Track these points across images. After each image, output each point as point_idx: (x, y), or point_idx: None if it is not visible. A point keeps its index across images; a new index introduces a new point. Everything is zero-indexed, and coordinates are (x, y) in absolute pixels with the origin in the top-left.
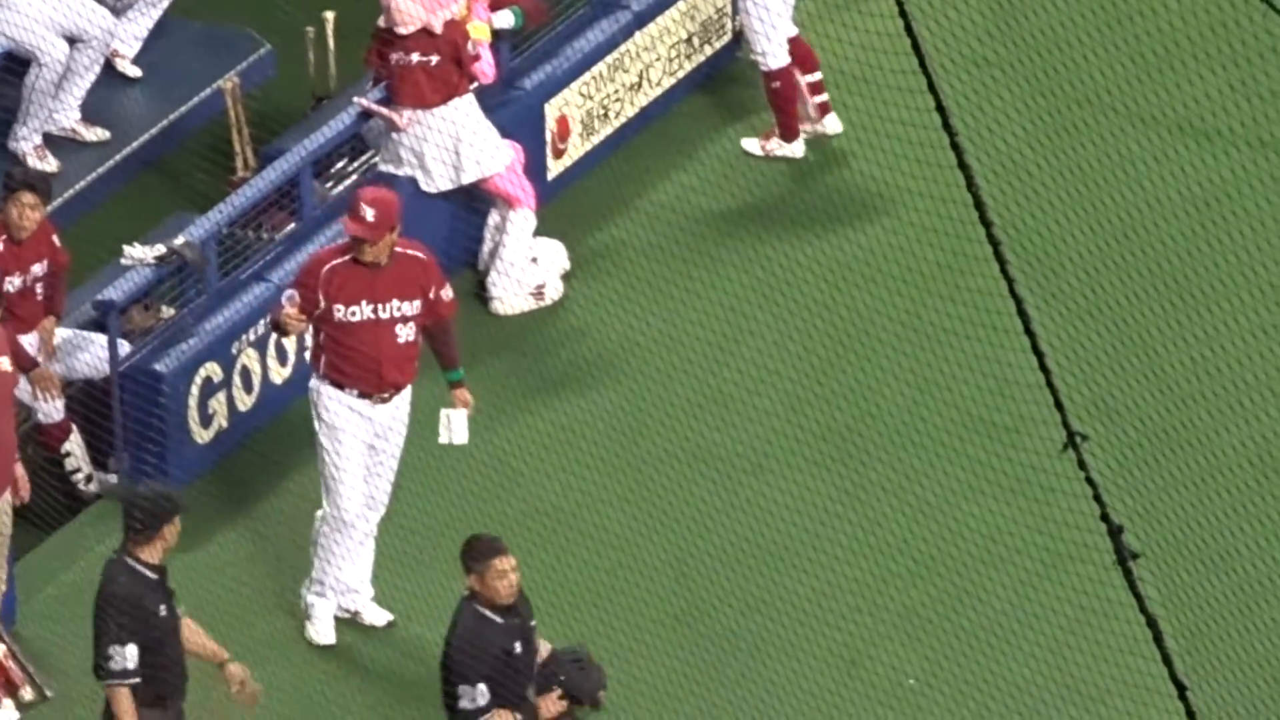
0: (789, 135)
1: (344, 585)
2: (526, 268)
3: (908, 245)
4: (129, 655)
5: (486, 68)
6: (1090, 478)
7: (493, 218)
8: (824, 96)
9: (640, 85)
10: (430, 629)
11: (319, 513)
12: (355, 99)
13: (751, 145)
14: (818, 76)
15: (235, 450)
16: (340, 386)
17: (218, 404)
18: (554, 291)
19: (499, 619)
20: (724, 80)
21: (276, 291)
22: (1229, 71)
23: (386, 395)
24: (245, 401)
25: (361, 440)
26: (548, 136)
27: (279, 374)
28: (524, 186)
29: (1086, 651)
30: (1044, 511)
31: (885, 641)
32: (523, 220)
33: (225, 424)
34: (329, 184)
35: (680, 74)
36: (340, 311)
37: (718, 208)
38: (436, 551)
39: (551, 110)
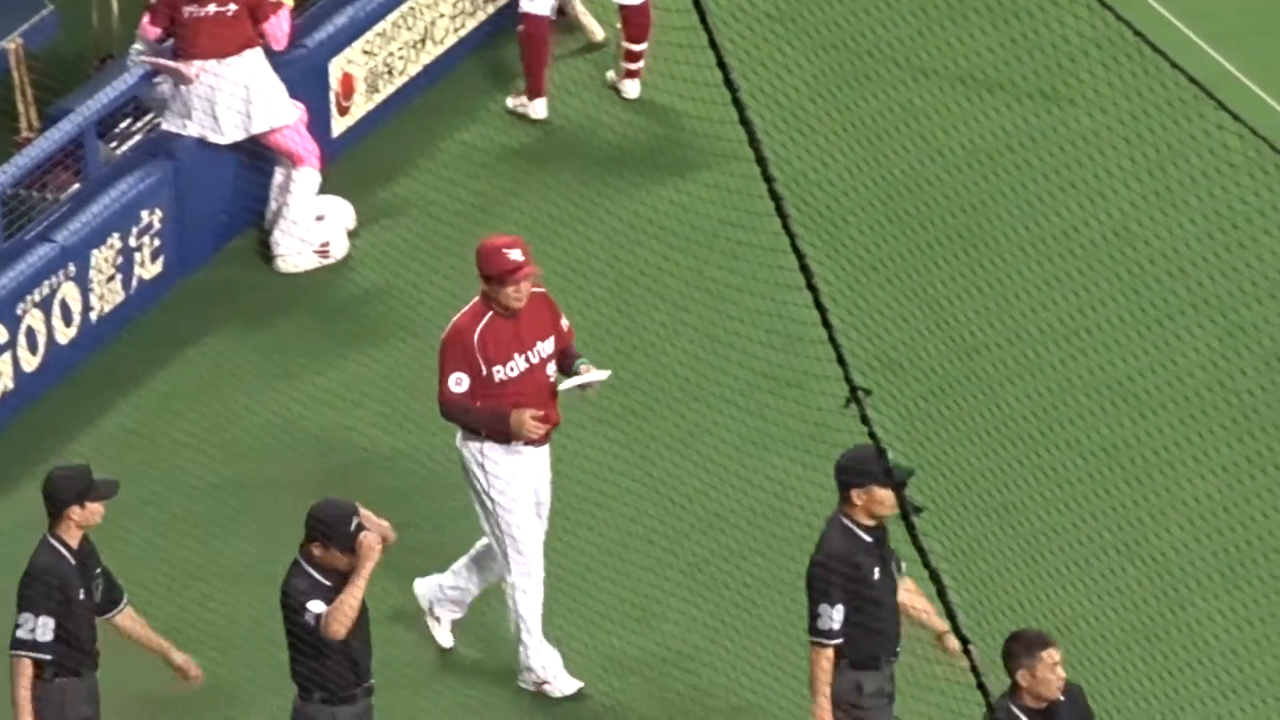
0: (532, 92)
1: (457, 595)
2: (311, 225)
3: (692, 202)
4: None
5: (280, 34)
6: (873, 432)
7: (277, 176)
8: (637, 65)
9: (424, 42)
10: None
11: (506, 583)
12: (140, 57)
13: (510, 101)
14: (641, 47)
15: (21, 411)
16: (506, 441)
17: (3, 365)
18: (339, 249)
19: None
20: (507, 37)
21: (61, 253)
22: (1012, 25)
23: (545, 439)
24: (31, 362)
25: (530, 489)
26: (332, 94)
27: (64, 334)
28: (308, 144)
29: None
30: (831, 466)
31: (674, 596)
32: (307, 178)
33: (11, 385)
34: (113, 144)
35: (464, 31)
36: (500, 372)
37: (502, 166)
38: (218, 511)
39: (335, 68)
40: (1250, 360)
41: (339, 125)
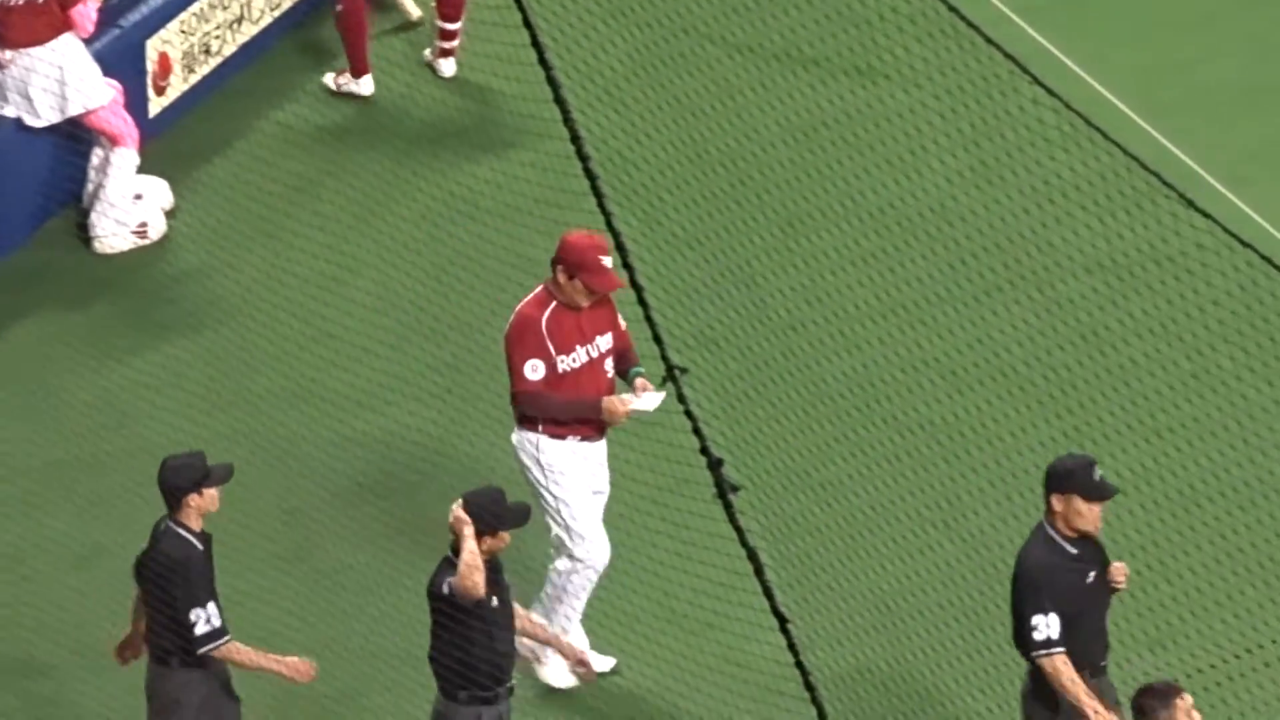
0: (356, 71)
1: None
2: (129, 206)
3: (509, 181)
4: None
5: (87, 22)
6: (689, 410)
7: (95, 156)
8: (452, 44)
9: (240, 22)
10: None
11: (558, 565)
12: None
13: (328, 80)
14: (455, 26)
15: None
16: (561, 437)
17: None
18: (157, 229)
19: None
20: (323, 17)
21: None
22: (827, 1)
23: (601, 433)
24: None
25: (587, 476)
26: (149, 74)
27: None
28: (126, 124)
29: (689, 585)
30: (647, 446)
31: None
32: (125, 158)
33: None
34: None
35: (280, 10)
36: (564, 363)
37: (318, 145)
38: (47, 491)
39: (152, 48)
40: (1066, 335)
41: (156, 105)
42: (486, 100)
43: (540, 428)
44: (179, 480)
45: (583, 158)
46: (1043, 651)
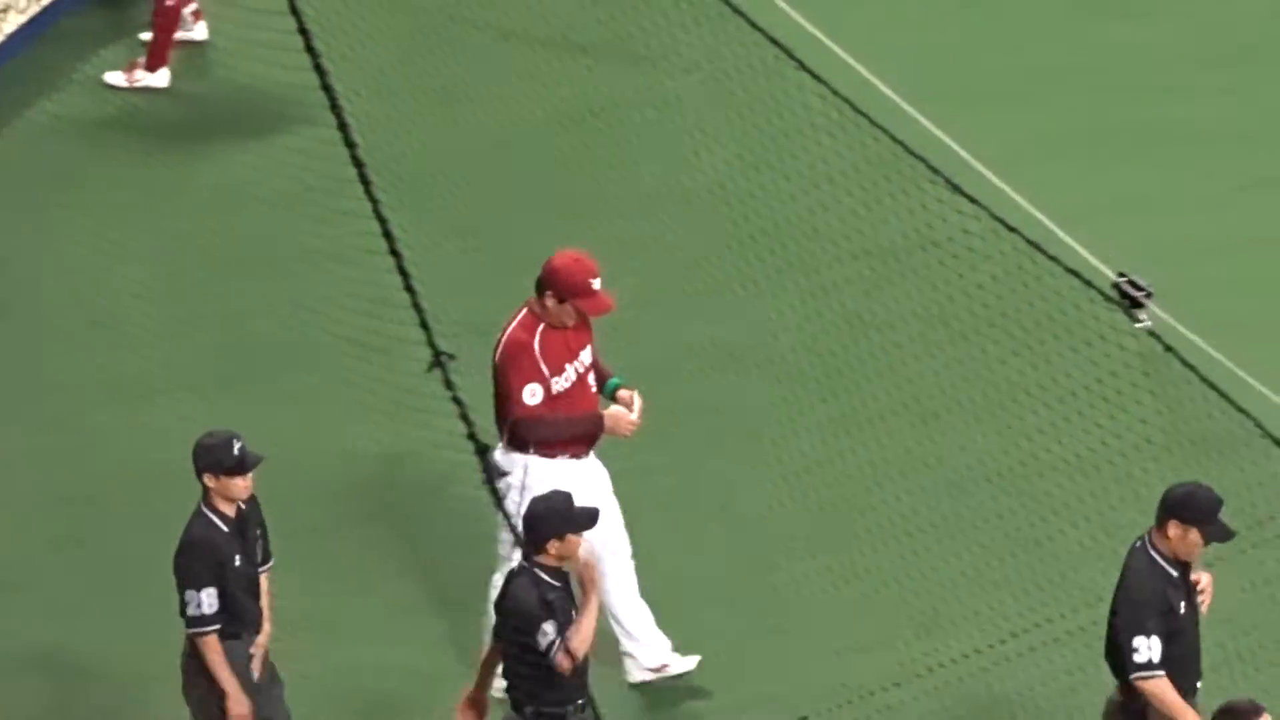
0: (155, 64)
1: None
2: None
3: (276, 168)
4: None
5: None
6: (457, 396)
7: None
8: (194, 4)
9: (7, 11)
10: None
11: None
12: None
13: (115, 78)
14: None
15: None
16: (551, 456)
17: None
18: None
19: None
20: (91, 6)
21: None
22: None
23: (590, 449)
24: None
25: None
26: None
27: None
28: None
29: (463, 573)
30: (419, 433)
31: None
32: None
33: None
34: None
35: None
36: (557, 383)
37: (86, 135)
38: None
39: None
40: (833, 320)
41: None
42: (255, 88)
43: (531, 449)
44: (197, 460)
45: (350, 145)
46: (1144, 674)
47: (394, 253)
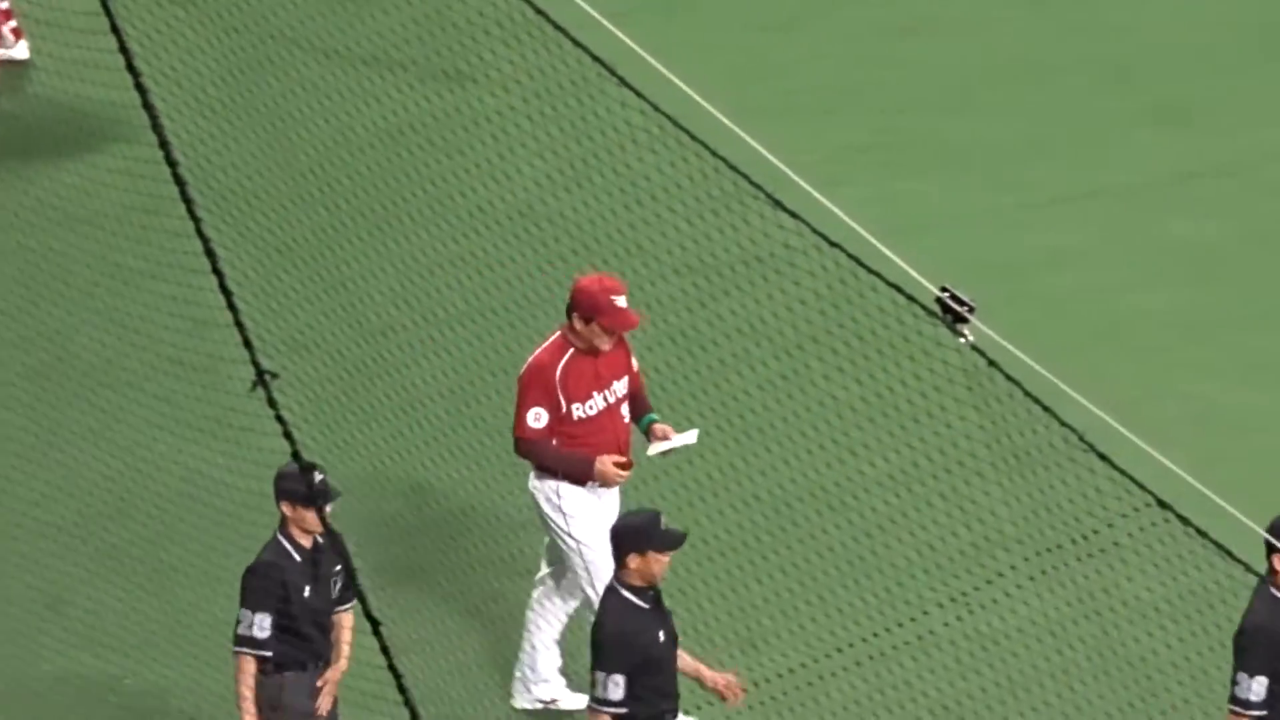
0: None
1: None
2: None
3: (96, 187)
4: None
5: None
6: (280, 415)
7: None
8: (12, 23)
9: None
10: None
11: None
12: None
13: None
14: (4, 6)
15: None
16: (581, 483)
17: None
18: None
19: None
20: None
21: None
22: (415, 5)
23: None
24: None
25: (607, 523)
26: None
27: None
28: None
29: None
30: (240, 451)
31: (85, 583)
32: None
33: None
34: None
35: None
36: (579, 410)
37: None
38: None
39: None
40: (656, 336)
41: None
42: (74, 106)
43: (560, 474)
44: (276, 488)
45: (171, 163)
46: (1237, 710)
47: (216, 271)
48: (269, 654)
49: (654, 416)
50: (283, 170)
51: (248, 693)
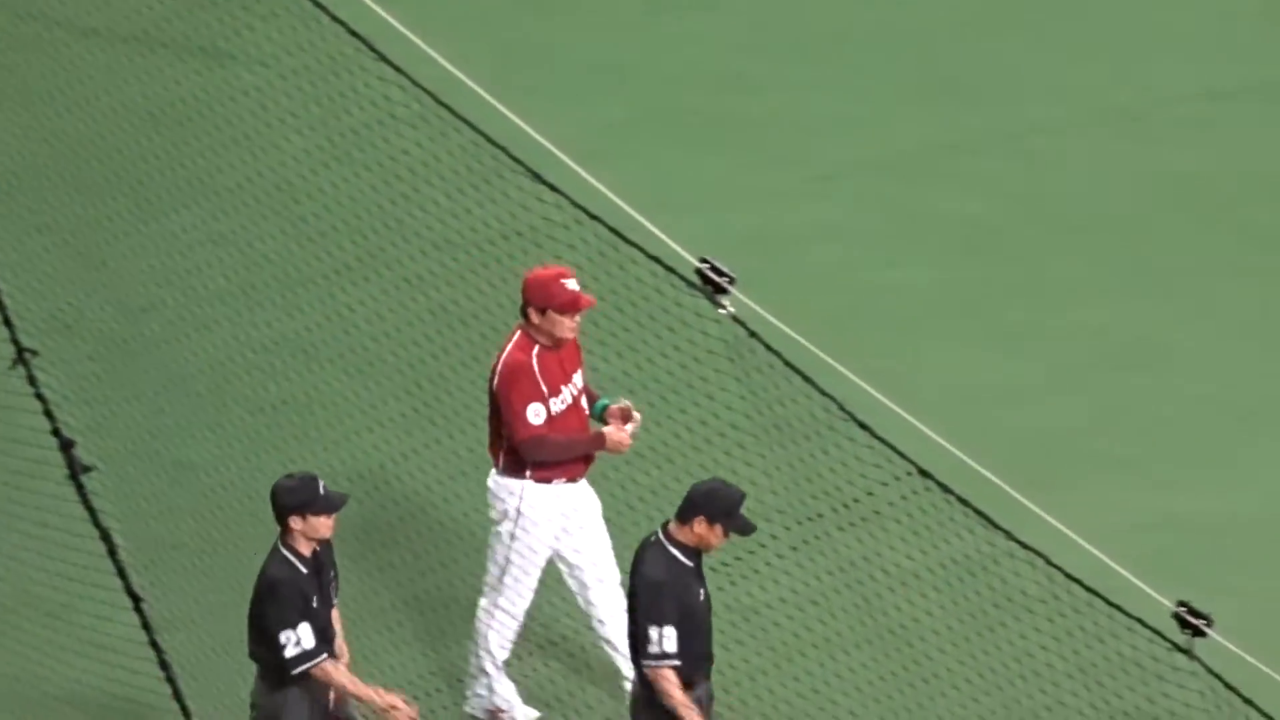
0: None
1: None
2: None
3: None
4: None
5: None
6: (40, 393)
7: None
8: None
9: None
10: None
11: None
12: None
13: None
14: None
15: None
16: (548, 480)
17: None
18: None
19: None
20: None
21: None
22: None
23: (584, 472)
24: None
25: (554, 530)
26: None
27: None
28: None
29: (46, 568)
30: (3, 429)
31: None
32: None
33: None
34: None
35: None
36: (554, 404)
37: None
38: None
39: None
40: (416, 312)
41: None
42: None
43: (527, 473)
44: (282, 501)
45: None
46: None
47: None
48: (324, 655)
49: (605, 401)
50: (42, 150)
51: (349, 683)
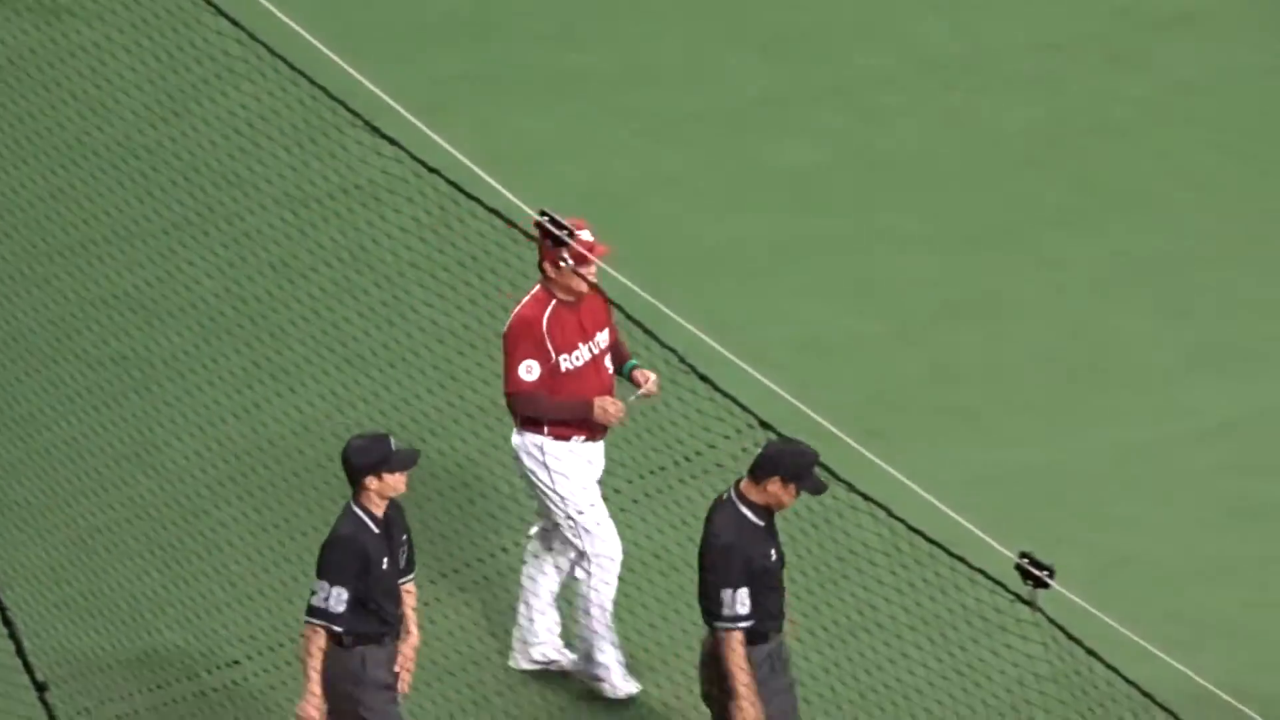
0: None
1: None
2: None
3: None
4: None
5: None
6: None
7: None
8: None
9: None
10: None
11: (577, 573)
12: None
13: None
14: None
15: None
16: (565, 438)
17: None
18: None
19: None
20: None
21: None
22: None
23: (603, 433)
24: None
25: (591, 475)
26: None
27: None
28: None
29: None
30: None
31: None
32: None
33: None
34: None
35: None
36: (566, 361)
37: None
38: None
39: None
40: (256, 266)
41: None
42: None
43: (545, 430)
44: (356, 462)
45: None
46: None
47: None
48: (340, 629)
49: (634, 362)
50: None
51: (316, 664)
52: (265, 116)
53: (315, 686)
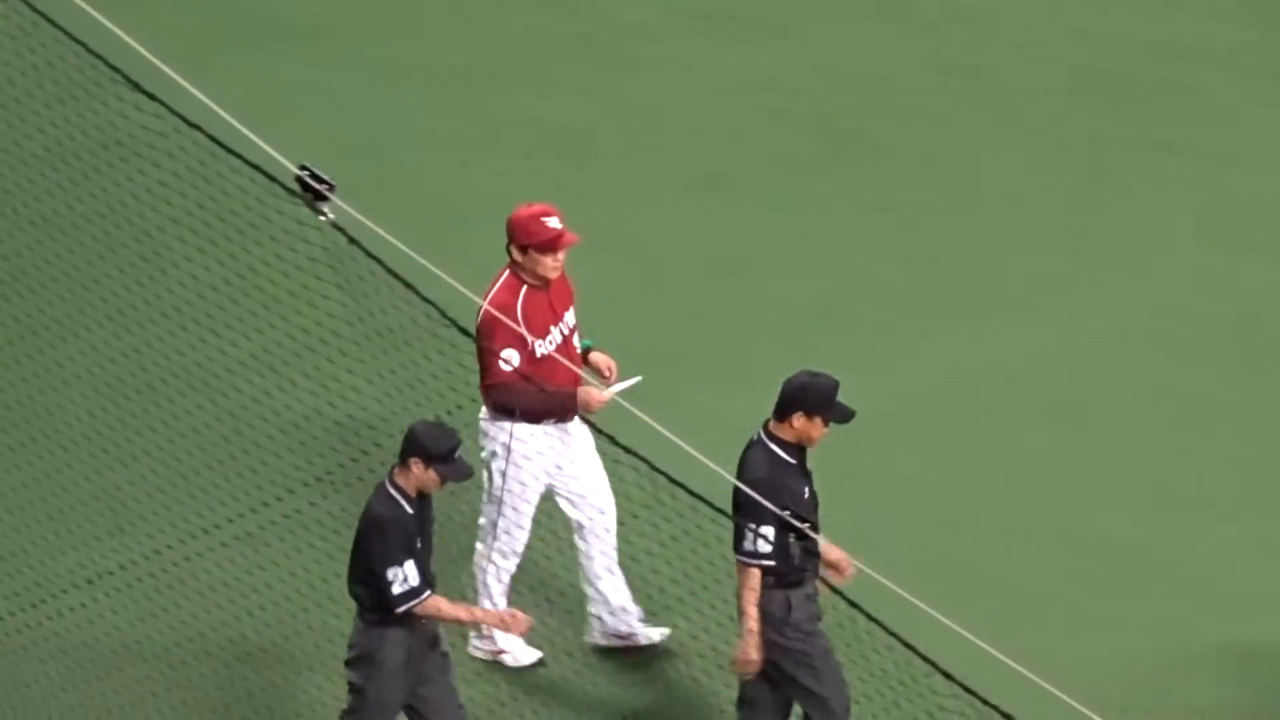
0: None
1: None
2: None
3: None
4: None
5: None
6: None
7: None
8: None
9: None
10: None
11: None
12: None
13: None
14: None
15: None
16: (537, 421)
17: None
18: None
19: None
20: None
21: None
22: None
23: (574, 412)
24: None
25: (545, 473)
26: None
27: None
28: None
29: None
30: None
31: None
32: None
33: None
34: None
35: None
36: (540, 346)
37: None
38: None
39: None
40: (16, 223)
41: None
42: None
43: (517, 413)
44: (421, 443)
45: None
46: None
47: None
48: (429, 593)
49: (589, 343)
50: None
51: (462, 609)
52: (25, 72)
53: (479, 614)
